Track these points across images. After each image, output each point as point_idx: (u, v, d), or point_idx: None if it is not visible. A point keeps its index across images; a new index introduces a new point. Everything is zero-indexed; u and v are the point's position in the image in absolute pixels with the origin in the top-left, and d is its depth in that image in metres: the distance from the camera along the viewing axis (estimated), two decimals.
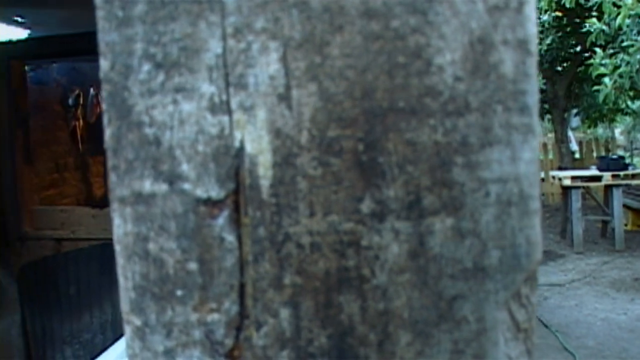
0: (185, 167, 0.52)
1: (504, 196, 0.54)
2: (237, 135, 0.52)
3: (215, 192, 0.52)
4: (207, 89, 0.52)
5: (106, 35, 0.54)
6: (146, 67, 0.53)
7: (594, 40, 7.89)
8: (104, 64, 0.54)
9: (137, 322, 0.55)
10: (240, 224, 0.52)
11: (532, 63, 0.54)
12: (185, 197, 0.53)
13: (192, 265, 0.53)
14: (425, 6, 0.52)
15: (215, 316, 0.53)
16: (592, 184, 9.68)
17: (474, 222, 0.53)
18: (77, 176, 8.13)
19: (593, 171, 9.77)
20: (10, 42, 5.94)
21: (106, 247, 5.58)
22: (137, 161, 0.53)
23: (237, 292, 0.53)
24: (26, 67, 6.29)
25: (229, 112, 0.52)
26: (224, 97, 0.52)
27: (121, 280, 0.55)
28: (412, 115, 0.52)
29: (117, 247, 0.55)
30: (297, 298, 0.53)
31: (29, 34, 7.31)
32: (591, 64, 7.92)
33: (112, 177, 0.54)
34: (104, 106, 0.54)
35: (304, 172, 0.52)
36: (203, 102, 0.52)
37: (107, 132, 0.54)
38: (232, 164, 0.52)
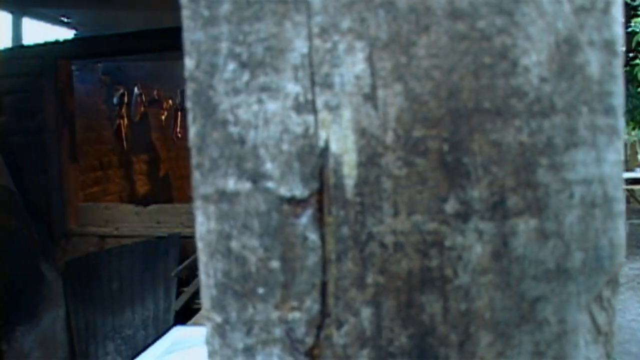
0: (269, 166, 0.53)
1: (588, 198, 0.54)
2: (322, 134, 0.52)
3: (299, 191, 0.53)
4: (293, 88, 0.52)
5: (191, 34, 0.54)
6: (231, 66, 0.53)
7: (639, 40, 7.77)
8: (189, 62, 0.54)
9: (218, 319, 0.56)
10: (324, 223, 0.53)
11: (618, 64, 0.54)
12: (268, 196, 0.53)
13: (275, 264, 0.53)
14: (512, 7, 0.52)
15: (296, 314, 0.54)
16: (636, 187, 9.55)
17: (558, 223, 0.53)
18: (120, 174, 8.23)
19: (637, 174, 9.64)
20: (57, 42, 6.02)
21: (149, 245, 5.66)
22: (221, 159, 0.54)
23: (319, 290, 0.53)
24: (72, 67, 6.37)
25: (314, 111, 0.52)
26: (309, 97, 0.52)
27: (203, 277, 0.56)
28: (497, 116, 0.52)
29: (200, 245, 0.56)
30: (379, 297, 0.53)
31: (75, 34, 7.42)
32: (636, 64, 7.80)
33: (196, 175, 0.55)
34: (188, 104, 0.55)
35: (388, 172, 0.52)
36: (288, 101, 0.52)
37: (192, 131, 0.55)
38: (316, 163, 0.52)
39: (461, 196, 0.52)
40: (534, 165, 0.52)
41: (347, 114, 0.52)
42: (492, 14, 0.52)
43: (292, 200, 0.53)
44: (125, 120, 8.01)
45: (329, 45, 0.52)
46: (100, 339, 5.69)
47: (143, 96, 8.24)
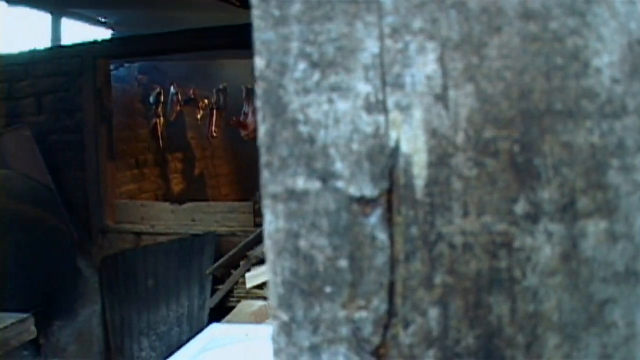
0: (339, 166, 0.53)
1: None
2: (393, 134, 0.52)
3: (369, 191, 0.53)
4: (364, 88, 0.53)
5: (262, 34, 0.55)
6: (302, 66, 0.54)
7: None
8: (259, 62, 0.55)
9: (285, 317, 0.56)
10: (393, 223, 0.53)
11: None
12: (338, 195, 0.53)
13: (343, 263, 0.54)
14: (584, 8, 0.51)
15: (363, 314, 0.54)
16: None
17: (628, 225, 0.53)
18: (156, 172, 8.28)
19: None
20: (95, 42, 6.08)
21: (184, 242, 5.68)
22: (291, 159, 0.54)
23: (386, 290, 0.53)
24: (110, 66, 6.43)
25: (385, 111, 0.52)
26: (380, 97, 0.52)
27: (271, 276, 0.56)
28: (569, 117, 0.51)
29: (268, 243, 0.56)
30: (446, 298, 0.53)
31: (113, 34, 7.50)
32: None
33: (266, 174, 0.55)
34: (258, 104, 0.55)
35: (459, 173, 0.52)
36: (359, 101, 0.53)
37: (262, 130, 0.55)
38: (386, 163, 0.52)
39: (531, 197, 0.52)
40: (605, 167, 0.52)
41: (418, 114, 0.52)
42: (564, 15, 0.51)
43: (361, 200, 0.53)
44: (162, 119, 8.03)
45: (400, 45, 0.52)
46: (136, 335, 5.72)
47: (179, 95, 8.26)
